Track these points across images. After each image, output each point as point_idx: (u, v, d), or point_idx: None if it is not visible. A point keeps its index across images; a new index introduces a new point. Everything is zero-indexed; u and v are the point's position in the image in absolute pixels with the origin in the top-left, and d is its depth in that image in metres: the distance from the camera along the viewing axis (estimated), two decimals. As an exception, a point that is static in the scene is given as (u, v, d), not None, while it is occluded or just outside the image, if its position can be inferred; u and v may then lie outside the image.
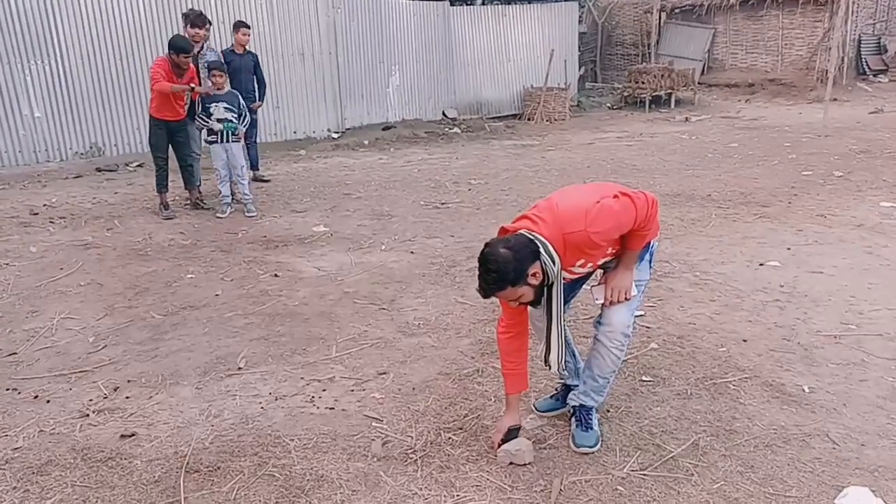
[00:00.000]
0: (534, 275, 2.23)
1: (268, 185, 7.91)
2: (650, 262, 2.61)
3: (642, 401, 2.95)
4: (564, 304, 2.52)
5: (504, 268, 2.19)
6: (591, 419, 2.67)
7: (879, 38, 17.27)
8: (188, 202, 6.86)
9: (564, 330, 2.51)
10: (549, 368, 2.53)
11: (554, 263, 2.27)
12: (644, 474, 2.45)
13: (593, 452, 2.59)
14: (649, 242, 2.54)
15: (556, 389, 2.95)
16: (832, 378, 3.12)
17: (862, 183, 7.12)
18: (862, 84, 16.24)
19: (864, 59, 17.01)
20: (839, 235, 5.32)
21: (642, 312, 3.84)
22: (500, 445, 2.52)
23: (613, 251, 2.47)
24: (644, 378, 3.15)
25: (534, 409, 2.90)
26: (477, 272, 2.28)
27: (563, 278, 2.38)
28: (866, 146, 9.32)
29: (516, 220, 2.43)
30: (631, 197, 2.33)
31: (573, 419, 2.71)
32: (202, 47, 6.71)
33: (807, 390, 3.01)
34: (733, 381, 3.10)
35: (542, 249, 2.25)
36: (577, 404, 2.69)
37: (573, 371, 2.84)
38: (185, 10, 7.27)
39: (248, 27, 7.76)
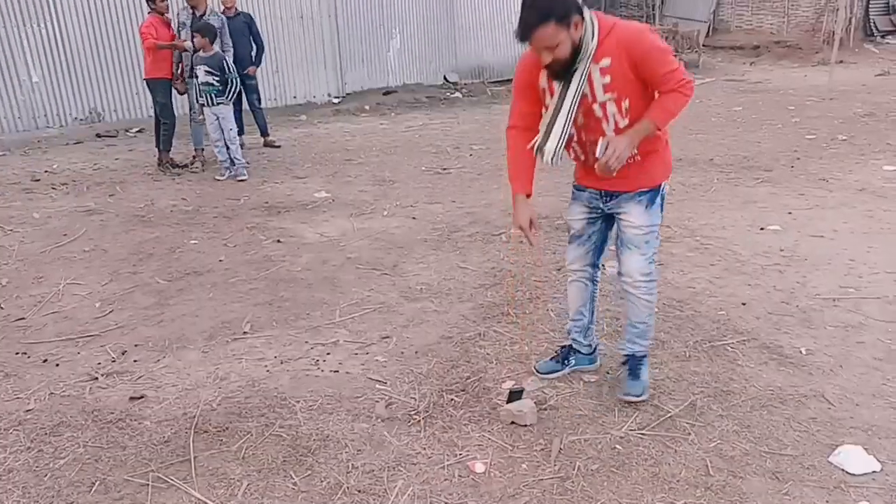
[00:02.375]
0: (576, 25, 2.22)
1: (269, 150, 7.89)
2: (661, 205, 2.58)
3: (641, 363, 3.00)
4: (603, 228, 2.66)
5: (552, 1, 2.20)
6: (640, 369, 2.73)
7: (888, -1, 16.95)
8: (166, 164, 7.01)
9: (569, 129, 2.41)
10: (541, 158, 2.48)
11: (592, 37, 2.27)
12: (642, 433, 2.51)
13: (641, 401, 2.67)
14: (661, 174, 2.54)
15: (556, 352, 2.98)
16: (829, 340, 3.16)
17: (865, 147, 7.08)
18: (869, 46, 16.00)
19: (872, 20, 16.72)
20: (841, 199, 5.32)
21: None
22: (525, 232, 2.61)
23: (633, 112, 2.37)
24: (644, 341, 3.19)
25: (535, 371, 2.92)
26: (519, 15, 2.24)
27: (583, 96, 2.34)
28: (871, 109, 9.24)
29: None
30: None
31: (624, 367, 2.78)
32: (204, 12, 6.66)
33: (804, 352, 3.05)
34: (731, 344, 3.14)
35: (586, 15, 2.26)
36: (627, 353, 2.75)
37: (583, 328, 2.88)
38: None
39: None
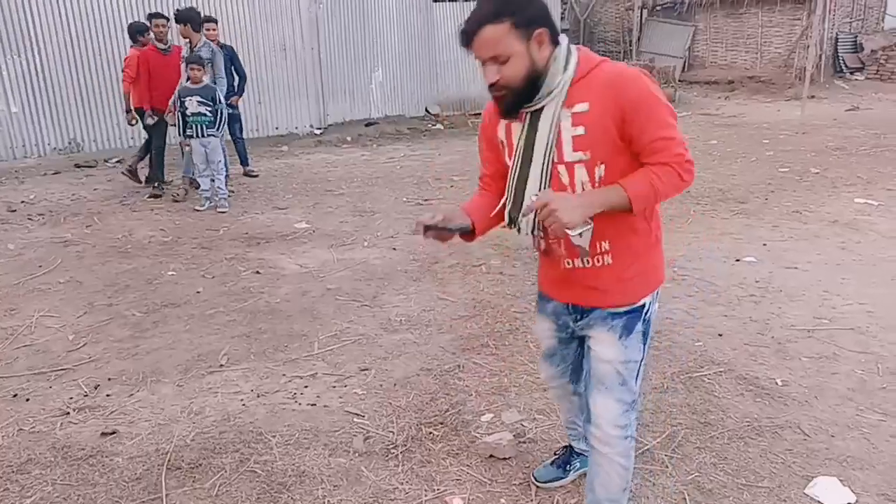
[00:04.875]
0: (538, 37, 1.65)
1: (250, 181, 7.88)
2: (646, 333, 1.88)
3: (620, 395, 3.01)
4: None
5: None
6: None
7: (856, 37, 17.52)
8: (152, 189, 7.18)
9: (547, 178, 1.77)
10: (518, 232, 1.85)
11: (565, 69, 1.69)
12: (621, 467, 2.50)
13: None
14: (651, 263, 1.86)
15: (556, 454, 2.50)
16: (804, 371, 3.20)
17: (837, 179, 7.24)
18: (839, 82, 16.47)
19: (841, 58, 17.25)
20: (814, 231, 5.42)
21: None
22: (426, 230, 1.81)
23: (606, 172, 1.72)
24: (622, 372, 3.20)
25: (533, 479, 2.43)
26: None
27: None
28: (842, 143, 9.47)
29: None
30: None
31: None
32: (194, 44, 6.73)
33: (779, 383, 3.08)
34: (708, 375, 3.16)
35: (561, 40, 1.71)
36: None
37: (579, 435, 2.34)
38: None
39: (215, 21, 7.66)
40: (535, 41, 1.66)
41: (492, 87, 1.70)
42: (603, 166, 1.71)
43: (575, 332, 1.99)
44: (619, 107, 1.64)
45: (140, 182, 7.40)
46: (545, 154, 1.74)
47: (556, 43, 1.70)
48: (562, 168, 1.74)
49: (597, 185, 1.73)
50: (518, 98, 1.71)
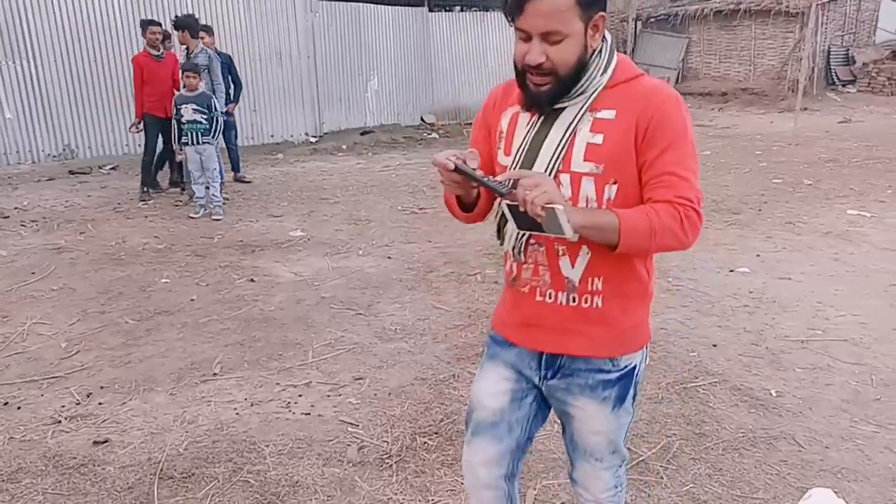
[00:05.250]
0: (597, 22, 1.40)
1: (245, 189, 7.87)
2: (636, 395, 1.62)
3: (615, 405, 3.00)
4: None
5: None
6: None
7: (848, 50, 17.71)
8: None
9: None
10: (501, 244, 1.62)
11: (604, 71, 1.44)
12: (616, 477, 2.50)
13: None
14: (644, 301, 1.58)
15: None
16: (798, 382, 3.20)
17: (830, 191, 7.29)
18: (831, 94, 16.62)
19: (833, 70, 17.42)
20: (807, 242, 5.45)
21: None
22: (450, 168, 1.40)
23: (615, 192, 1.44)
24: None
25: None
26: None
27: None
28: (835, 155, 9.54)
29: None
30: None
31: None
32: (191, 51, 6.77)
33: (774, 394, 3.09)
34: (703, 385, 3.17)
35: (608, 38, 1.48)
36: None
37: None
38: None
39: (209, 31, 7.71)
40: (593, 26, 1.40)
41: (532, 70, 1.40)
42: (615, 187, 1.43)
43: (537, 391, 1.62)
44: (647, 118, 1.40)
45: (163, 190, 7.54)
46: (551, 160, 1.45)
47: (604, 36, 1.46)
48: (565, 178, 1.45)
49: (602, 204, 1.44)
50: (562, 89, 1.42)
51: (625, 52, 18.73)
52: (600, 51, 1.45)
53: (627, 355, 1.56)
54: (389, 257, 5.26)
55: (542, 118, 1.48)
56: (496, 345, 1.67)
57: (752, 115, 15.30)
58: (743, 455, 2.63)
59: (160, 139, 7.17)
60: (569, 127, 1.45)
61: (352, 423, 2.89)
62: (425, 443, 2.73)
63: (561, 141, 1.45)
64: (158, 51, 6.98)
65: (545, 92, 1.43)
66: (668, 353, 3.50)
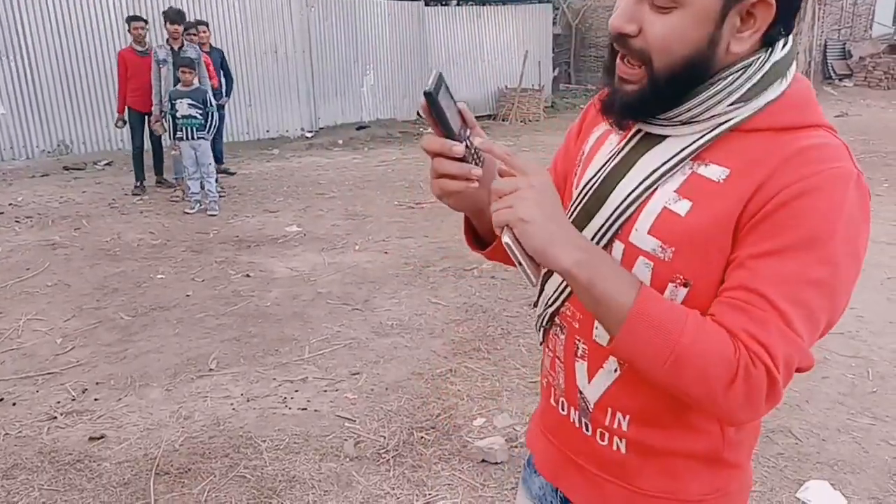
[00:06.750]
0: (750, 9, 0.81)
1: (240, 184, 7.85)
2: None
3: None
4: None
5: None
6: None
7: (844, 44, 17.72)
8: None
9: None
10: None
11: (760, 92, 0.85)
12: (613, 471, 2.50)
13: None
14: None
15: None
16: (795, 376, 3.20)
17: (826, 185, 7.29)
18: (828, 88, 16.63)
19: (829, 64, 17.43)
20: (804, 236, 5.45)
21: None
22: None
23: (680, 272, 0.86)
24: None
25: None
26: None
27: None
28: (831, 149, 9.55)
29: None
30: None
31: None
32: (182, 45, 6.73)
33: (771, 387, 3.09)
34: (700, 379, 3.16)
35: (780, 47, 0.87)
36: None
37: None
38: (164, 9, 7.43)
39: (202, 24, 7.72)
40: (740, 11, 0.82)
41: (620, 47, 0.87)
42: (684, 291, 0.86)
43: None
44: (772, 190, 0.80)
45: (172, 187, 7.48)
46: (612, 216, 0.91)
47: (769, 44, 0.86)
48: (618, 249, 0.91)
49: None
50: (654, 96, 0.86)
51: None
52: (756, 62, 0.85)
53: None
54: (386, 252, 5.25)
55: (630, 144, 0.93)
56: (527, 466, 1.18)
57: (748, 109, 15.31)
58: (740, 448, 2.63)
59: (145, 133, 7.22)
60: (656, 171, 0.88)
61: (348, 418, 2.88)
62: (422, 437, 2.73)
63: (634, 190, 0.89)
64: (143, 46, 6.97)
65: (627, 94, 0.89)
66: (665, 346, 3.50)
